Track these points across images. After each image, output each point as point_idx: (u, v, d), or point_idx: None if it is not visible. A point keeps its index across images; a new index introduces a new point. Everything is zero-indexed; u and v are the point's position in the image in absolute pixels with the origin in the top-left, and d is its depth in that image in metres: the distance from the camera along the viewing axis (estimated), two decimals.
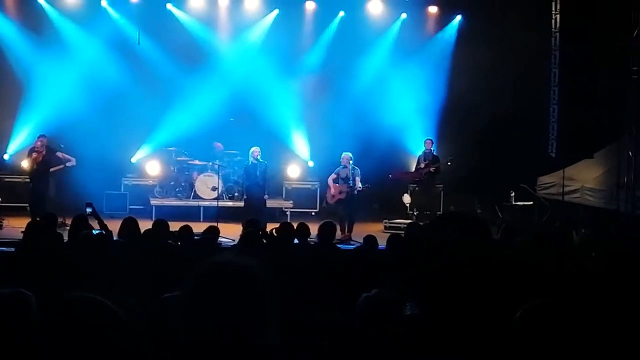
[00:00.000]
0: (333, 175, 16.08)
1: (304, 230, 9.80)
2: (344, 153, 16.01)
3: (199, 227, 10.57)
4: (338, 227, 12.83)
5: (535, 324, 3.20)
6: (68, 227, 10.40)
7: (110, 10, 18.60)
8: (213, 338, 2.26)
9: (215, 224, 11.09)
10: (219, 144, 18.27)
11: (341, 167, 15.92)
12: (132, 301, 3.19)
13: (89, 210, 12.55)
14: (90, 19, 18.26)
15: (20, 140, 17.94)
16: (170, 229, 9.94)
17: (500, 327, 3.15)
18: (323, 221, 9.96)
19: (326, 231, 9.55)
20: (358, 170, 15.72)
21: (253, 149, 15.87)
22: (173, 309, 4.44)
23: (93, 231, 10.48)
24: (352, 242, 14.58)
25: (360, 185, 15.60)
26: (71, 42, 18.34)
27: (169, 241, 9.46)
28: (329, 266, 8.39)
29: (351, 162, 15.75)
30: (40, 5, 18.31)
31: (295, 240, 9.74)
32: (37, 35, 18.07)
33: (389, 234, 15.33)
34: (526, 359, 3.10)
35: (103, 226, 10.92)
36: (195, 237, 9.67)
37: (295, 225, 10.05)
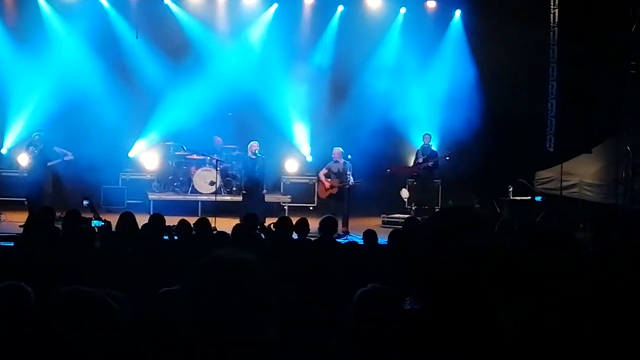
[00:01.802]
0: (324, 170, 16.12)
1: (303, 226, 9.77)
2: (335, 148, 16.04)
3: None
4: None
5: (517, 327, 3.19)
6: None
7: (106, 4, 18.54)
8: (212, 332, 2.26)
9: (213, 218, 11.07)
10: (219, 138, 18.25)
11: (332, 161, 15.94)
12: (121, 295, 3.19)
13: (85, 202, 12.59)
14: (87, 12, 18.13)
15: (15, 134, 17.88)
16: (168, 224, 9.95)
17: (496, 324, 3.15)
18: (324, 216, 9.95)
19: (327, 226, 9.54)
20: (349, 165, 15.73)
21: (251, 143, 15.89)
22: (172, 303, 4.44)
23: (93, 222, 10.53)
24: (350, 236, 14.61)
25: (352, 179, 15.60)
26: (65, 35, 18.23)
27: (165, 236, 9.47)
28: (329, 261, 8.40)
29: (343, 156, 15.79)
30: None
31: (295, 236, 9.72)
32: (30, 28, 17.95)
33: (387, 229, 15.51)
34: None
35: (98, 219, 10.94)
36: (193, 232, 9.66)
37: (294, 220, 10.04)
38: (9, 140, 17.95)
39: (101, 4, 18.50)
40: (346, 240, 12.85)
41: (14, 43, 17.93)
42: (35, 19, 18.08)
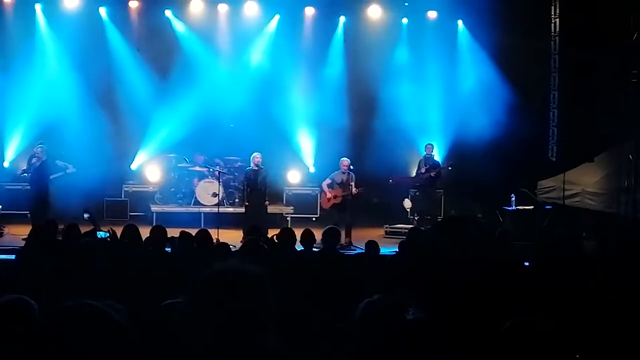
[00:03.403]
0: (327, 180, 16.08)
1: (309, 237, 9.73)
2: (342, 159, 16.00)
3: None
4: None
5: (519, 341, 3.19)
6: None
7: (105, 16, 18.59)
8: (216, 343, 2.26)
9: (216, 230, 11.03)
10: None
11: (336, 172, 15.90)
12: (120, 306, 3.19)
13: (86, 215, 12.56)
14: (86, 24, 18.13)
15: (15, 146, 17.89)
16: (171, 235, 9.92)
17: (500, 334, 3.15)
18: (327, 227, 9.92)
19: (330, 237, 9.51)
20: (353, 175, 15.72)
21: (254, 155, 15.85)
22: (176, 315, 4.44)
23: (98, 234, 10.49)
24: (352, 248, 14.60)
25: (355, 189, 15.59)
26: (62, 47, 18.21)
27: (167, 248, 9.44)
28: (332, 272, 8.38)
29: (351, 167, 15.79)
30: (34, 10, 18.25)
31: (300, 247, 9.69)
32: (26, 39, 18.01)
33: (390, 239, 15.51)
34: None
35: (99, 232, 10.88)
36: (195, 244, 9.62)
37: (295, 230, 10.01)
38: (10, 153, 17.95)
39: (100, 17, 18.56)
40: (356, 252, 12.82)
41: (10, 54, 17.95)
42: (32, 31, 18.16)
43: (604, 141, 16.71)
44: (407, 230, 13.79)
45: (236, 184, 17.96)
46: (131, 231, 9.39)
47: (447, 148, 18.88)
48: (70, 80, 17.95)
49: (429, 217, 16.84)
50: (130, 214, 17.38)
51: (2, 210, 16.63)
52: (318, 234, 9.96)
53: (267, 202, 16.01)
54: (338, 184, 15.81)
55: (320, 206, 17.46)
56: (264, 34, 19.33)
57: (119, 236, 9.53)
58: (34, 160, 15.41)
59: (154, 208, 17.51)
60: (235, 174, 18.05)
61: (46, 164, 15.36)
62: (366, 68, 19.12)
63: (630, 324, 4.07)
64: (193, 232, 9.69)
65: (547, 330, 3.24)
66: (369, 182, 16.22)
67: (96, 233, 10.47)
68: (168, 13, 18.94)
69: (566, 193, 16.37)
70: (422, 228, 14.37)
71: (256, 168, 15.74)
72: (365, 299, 4.25)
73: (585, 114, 16.74)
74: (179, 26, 19.02)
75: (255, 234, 10.03)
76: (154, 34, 18.63)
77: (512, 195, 17.04)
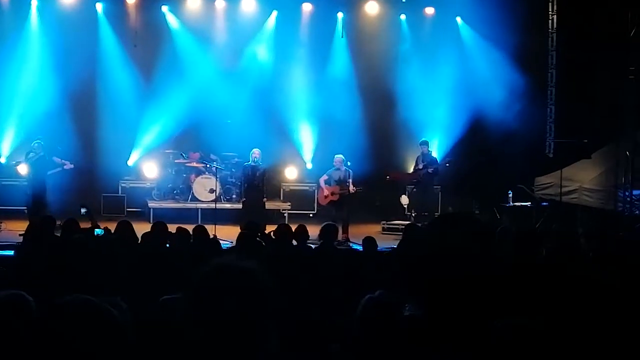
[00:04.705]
0: (324, 177, 16.06)
1: (302, 233, 9.74)
2: (336, 155, 15.97)
3: None
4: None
5: (513, 340, 3.19)
6: None
7: (100, 11, 18.57)
8: (214, 340, 2.26)
9: (213, 226, 11.02)
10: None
11: (333, 168, 15.88)
12: (122, 303, 3.18)
13: (83, 210, 12.52)
14: (82, 22, 18.12)
15: (10, 142, 17.86)
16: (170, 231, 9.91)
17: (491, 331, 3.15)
18: (325, 223, 9.92)
19: (328, 233, 9.52)
20: (351, 172, 15.69)
21: (253, 150, 15.83)
22: (173, 311, 4.44)
23: (95, 231, 10.49)
24: (350, 244, 14.59)
25: (352, 187, 15.57)
26: (60, 41, 18.07)
27: (167, 244, 9.44)
28: (330, 268, 8.38)
29: (344, 163, 15.75)
30: (30, 8, 18.22)
31: (294, 242, 9.69)
32: (23, 35, 18.03)
33: (387, 236, 15.52)
34: None
35: (96, 227, 10.87)
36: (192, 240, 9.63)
37: (292, 227, 10.01)
38: (6, 148, 17.91)
39: (96, 12, 18.54)
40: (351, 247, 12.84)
41: (6, 49, 17.88)
42: (27, 26, 18.12)
43: (601, 138, 16.70)
44: (404, 227, 13.80)
45: (234, 180, 17.95)
46: (123, 227, 9.39)
47: (447, 144, 18.87)
48: (65, 76, 17.83)
49: (426, 214, 16.81)
50: (127, 209, 17.34)
51: None
52: (315, 230, 9.97)
53: (264, 199, 15.99)
54: (335, 180, 15.79)
55: (318, 202, 17.45)
56: (262, 30, 19.33)
57: (113, 232, 9.54)
58: (31, 155, 15.37)
59: (151, 204, 17.48)
60: (233, 169, 18.03)
61: (44, 160, 15.32)
62: (365, 64, 19.17)
63: (626, 322, 4.07)
64: (190, 228, 9.70)
65: (541, 328, 3.24)
66: (368, 178, 16.19)
67: (93, 231, 10.48)
68: (165, 9, 18.93)
69: (563, 190, 16.36)
70: (419, 224, 14.36)
71: (254, 164, 15.72)
72: (366, 295, 4.25)
73: (582, 111, 16.73)
74: (175, 22, 19.02)
75: (252, 230, 10.03)
76: (151, 30, 18.63)
77: (510, 191, 17.05)
